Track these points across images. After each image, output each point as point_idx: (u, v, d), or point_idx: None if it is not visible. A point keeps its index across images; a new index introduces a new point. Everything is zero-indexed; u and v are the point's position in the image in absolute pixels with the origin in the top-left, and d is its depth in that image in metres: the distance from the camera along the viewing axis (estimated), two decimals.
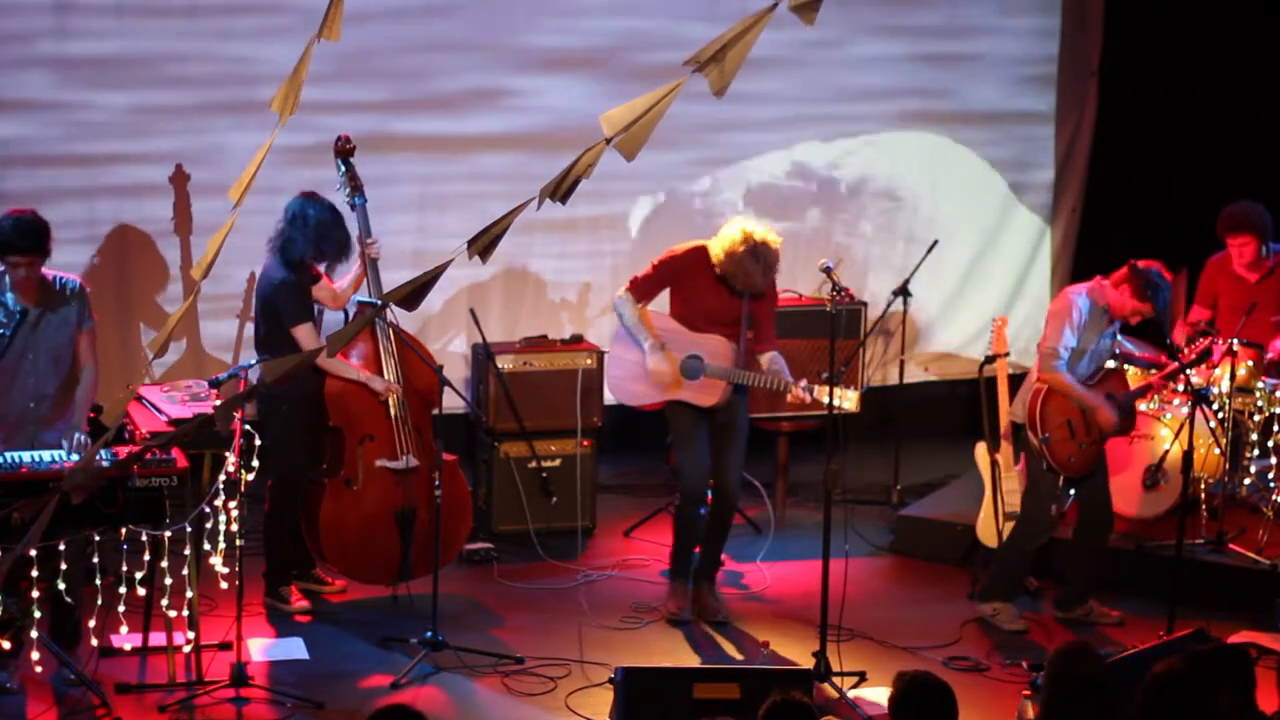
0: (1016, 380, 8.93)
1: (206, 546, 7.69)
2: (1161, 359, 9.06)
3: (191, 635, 7.86)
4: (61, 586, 7.31)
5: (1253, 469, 9.47)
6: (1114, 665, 6.61)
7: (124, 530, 7.41)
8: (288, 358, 7.15)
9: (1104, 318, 8.58)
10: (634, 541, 9.83)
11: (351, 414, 8.64)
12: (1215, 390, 9.27)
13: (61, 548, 7.19)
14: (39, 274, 7.71)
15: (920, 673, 5.67)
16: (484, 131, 10.59)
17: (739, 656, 8.38)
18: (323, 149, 9.07)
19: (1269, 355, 9.47)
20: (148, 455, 7.43)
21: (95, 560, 7.47)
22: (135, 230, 10.06)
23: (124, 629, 7.54)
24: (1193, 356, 8.95)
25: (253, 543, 8.53)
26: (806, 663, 8.06)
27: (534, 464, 9.79)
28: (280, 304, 8.49)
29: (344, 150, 8.88)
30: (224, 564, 7.71)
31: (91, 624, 7.52)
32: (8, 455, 7.44)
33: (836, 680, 7.93)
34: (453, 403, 8.69)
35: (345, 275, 8.88)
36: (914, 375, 11.43)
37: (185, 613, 7.86)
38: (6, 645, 7.41)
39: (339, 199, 8.78)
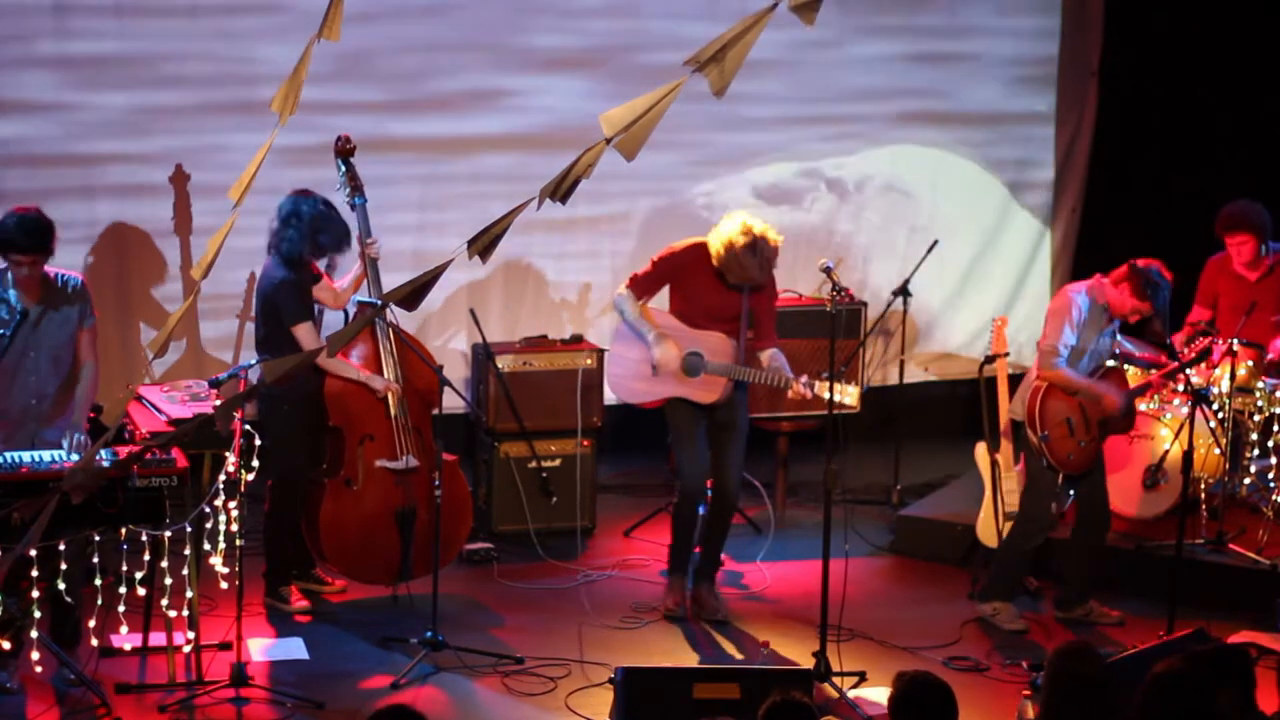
0: (1016, 380, 8.93)
1: (206, 546, 7.69)
2: (1161, 359, 9.06)
3: (191, 635, 7.86)
4: (61, 586, 7.31)
5: (1253, 469, 9.47)
6: (1114, 665, 6.61)
7: (124, 530, 7.41)
8: (288, 358, 7.16)
9: (1103, 316, 8.58)
10: (634, 541, 9.83)
11: (351, 414, 8.64)
12: (1215, 390, 9.27)
13: (61, 548, 7.19)
14: (41, 272, 7.72)
15: (920, 673, 5.67)
16: (484, 132, 10.59)
17: (739, 656, 8.38)
18: (323, 149, 9.07)
19: (1269, 355, 9.47)
20: (148, 455, 7.43)
21: (95, 560, 7.46)
22: (135, 230, 10.06)
23: (124, 629, 7.54)
24: (1192, 356, 8.95)
25: (253, 543, 8.53)
26: (806, 663, 8.06)
27: (534, 464, 9.79)
28: (280, 302, 8.49)
29: (344, 150, 8.88)
30: (224, 564, 7.71)
31: (91, 624, 7.52)
32: (8, 455, 7.44)
33: (836, 680, 7.93)
34: (453, 403, 8.69)
35: (346, 275, 8.89)
36: (914, 375, 11.44)
37: (185, 613, 7.86)
38: (6, 645, 7.41)
39: (339, 199, 8.79)
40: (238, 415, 7.56)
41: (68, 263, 8.55)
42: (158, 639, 7.99)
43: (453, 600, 8.75)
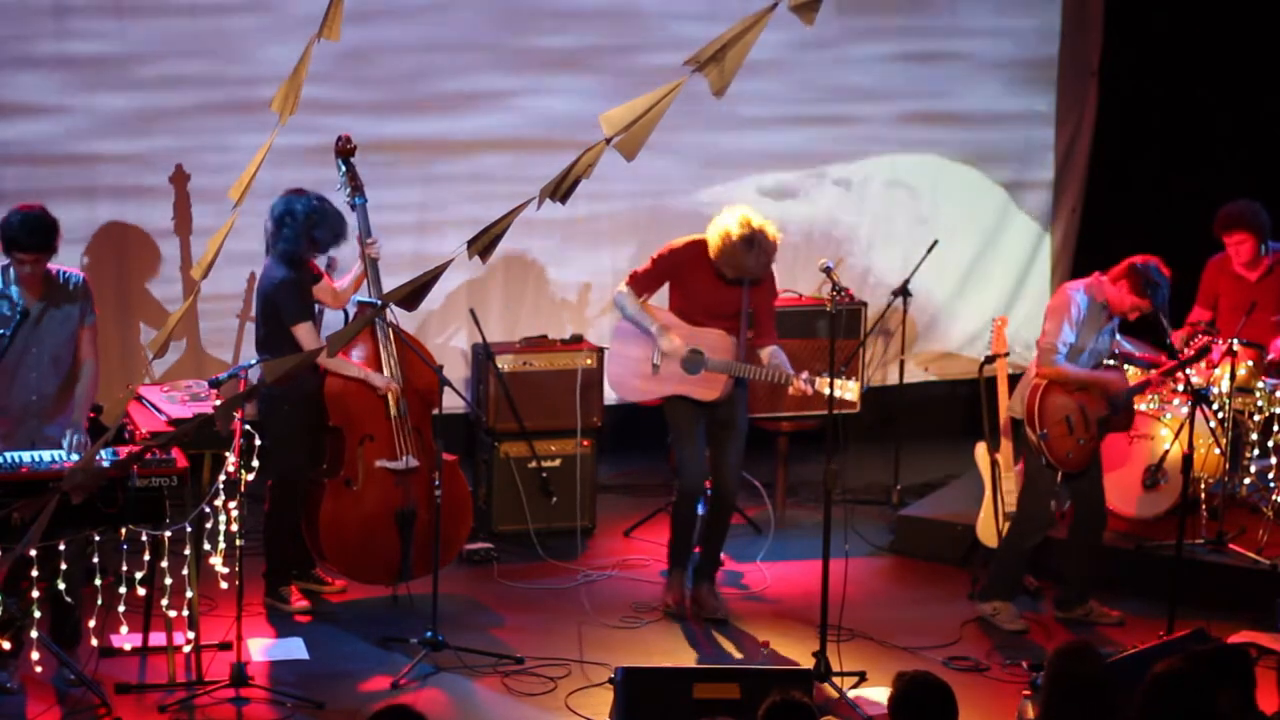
0: (1016, 380, 8.93)
1: (206, 546, 7.69)
2: (1161, 359, 9.06)
3: (191, 635, 7.86)
4: (61, 586, 7.31)
5: (1253, 469, 9.47)
6: (1114, 665, 6.61)
7: (124, 530, 7.41)
8: (288, 358, 7.16)
9: (1102, 314, 8.58)
10: (634, 541, 9.83)
11: (351, 414, 8.64)
12: (1215, 390, 9.26)
13: (61, 548, 7.19)
14: (44, 269, 7.73)
15: (920, 673, 5.67)
16: (484, 132, 10.59)
17: (739, 656, 8.38)
18: (323, 149, 9.07)
19: (1270, 356, 9.47)
20: (148, 455, 7.43)
21: (95, 560, 7.47)
22: (135, 230, 10.06)
23: (124, 629, 7.54)
24: (1191, 354, 8.94)
25: (253, 543, 8.53)
26: (806, 663, 8.06)
27: (534, 464, 9.79)
28: (280, 302, 8.49)
29: (344, 150, 8.88)
30: (224, 564, 7.71)
31: (91, 624, 7.52)
32: (8, 455, 7.45)
33: (836, 680, 7.93)
34: (453, 403, 8.69)
35: (346, 275, 8.90)
36: (914, 375, 11.43)
37: (185, 613, 7.86)
38: (6, 645, 7.41)
39: (339, 199, 8.79)
40: (238, 415, 7.56)
41: (67, 263, 8.54)
42: (158, 639, 7.99)
43: (453, 600, 8.75)
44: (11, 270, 7.72)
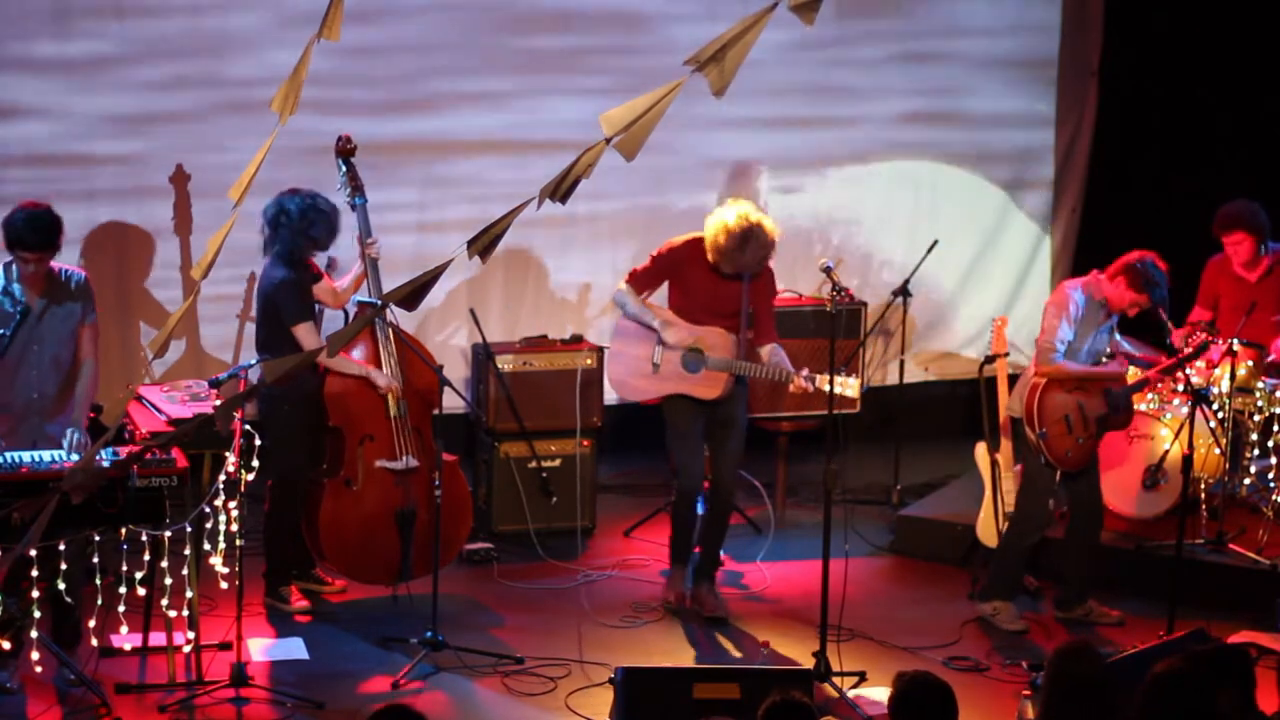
0: (1016, 380, 8.93)
1: (206, 546, 7.69)
2: (1161, 359, 9.06)
3: (191, 635, 7.86)
4: (61, 586, 7.31)
5: (1253, 469, 9.47)
6: (1114, 665, 6.61)
7: (124, 530, 7.41)
8: (288, 358, 7.16)
9: (1101, 312, 8.58)
10: (634, 541, 9.83)
11: (351, 414, 8.64)
12: (1215, 390, 9.26)
13: (61, 548, 7.19)
14: (47, 268, 7.74)
15: (920, 673, 5.67)
16: (484, 132, 10.58)
17: (739, 656, 8.38)
18: (323, 149, 9.07)
19: (1271, 356, 9.47)
20: (148, 455, 7.43)
21: (95, 560, 7.47)
22: (135, 230, 10.06)
23: (124, 629, 7.54)
24: (1189, 351, 8.92)
25: (253, 543, 8.53)
26: (806, 663, 8.06)
27: (534, 464, 9.79)
28: (281, 302, 8.50)
29: (345, 150, 8.88)
30: (224, 564, 7.71)
31: (91, 624, 7.52)
32: (8, 455, 7.45)
33: (836, 680, 7.93)
34: (453, 403, 8.69)
35: (346, 275, 8.90)
36: (914, 375, 11.43)
37: (185, 613, 7.86)
38: (6, 645, 7.41)
39: (339, 199, 8.79)
40: (238, 415, 7.56)
41: (67, 262, 8.55)
42: (158, 639, 8.00)
43: (453, 600, 8.75)
44: (14, 268, 7.73)
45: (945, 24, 11.47)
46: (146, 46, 9.93)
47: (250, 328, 9.58)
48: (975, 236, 11.76)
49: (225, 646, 8.00)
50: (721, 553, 8.97)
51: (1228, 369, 9.19)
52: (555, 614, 8.82)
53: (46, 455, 7.51)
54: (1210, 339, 9.10)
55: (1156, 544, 9.15)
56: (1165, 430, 9.34)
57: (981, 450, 9.14)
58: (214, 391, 7.88)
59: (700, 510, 8.85)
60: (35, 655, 7.37)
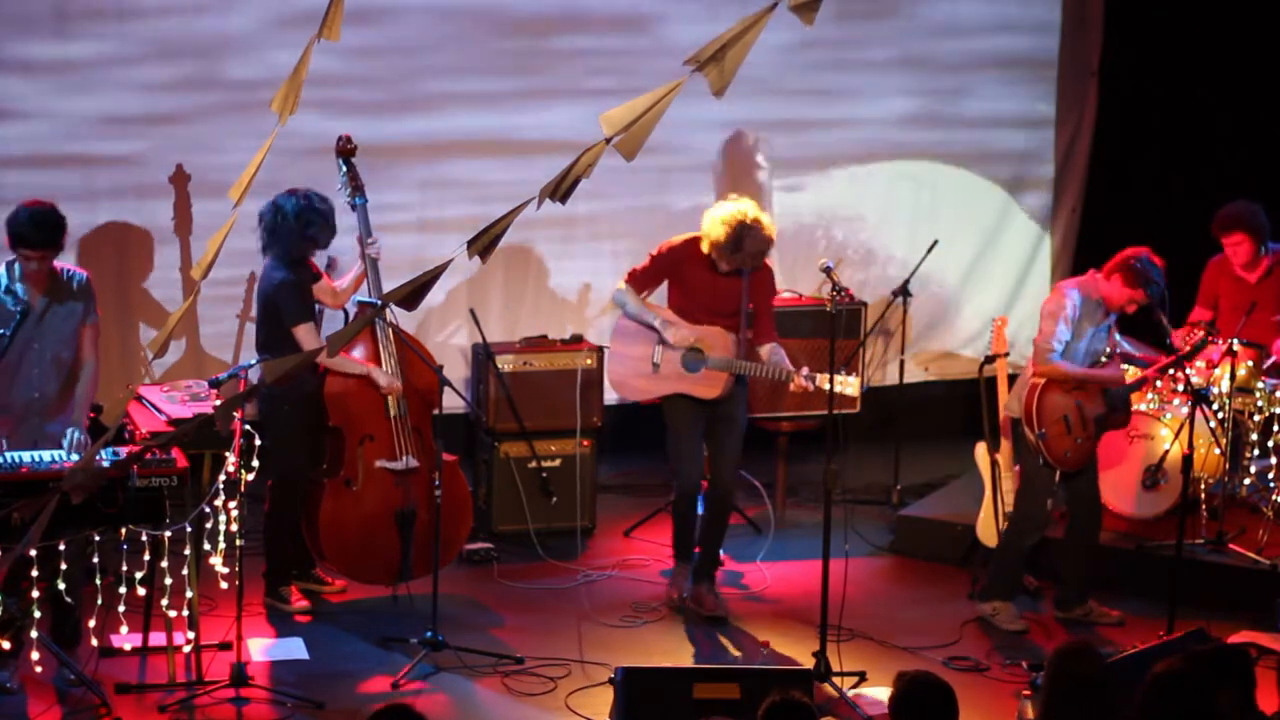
0: (1016, 380, 8.93)
1: (206, 546, 7.69)
2: (1160, 359, 9.06)
3: (191, 635, 7.86)
4: (61, 586, 7.31)
5: (1253, 469, 9.47)
6: (1114, 665, 6.61)
7: (124, 530, 7.41)
8: (288, 358, 7.16)
9: (1098, 311, 8.58)
10: (634, 541, 9.83)
11: (351, 414, 8.64)
12: (1215, 390, 9.26)
13: (61, 548, 7.19)
14: (49, 266, 7.75)
15: (921, 673, 5.67)
16: (484, 132, 10.58)
17: (739, 656, 8.38)
18: (323, 149, 9.08)
19: (1272, 357, 9.47)
20: (148, 455, 7.43)
21: (95, 560, 7.47)
22: (135, 230, 10.06)
23: (124, 629, 7.54)
24: (1187, 349, 8.91)
25: (253, 543, 8.53)
26: (806, 663, 8.06)
27: (534, 464, 9.79)
28: (281, 303, 8.50)
29: (345, 150, 8.89)
30: (224, 564, 7.71)
31: (91, 624, 7.52)
32: (8, 455, 7.45)
33: (836, 680, 7.93)
34: (453, 403, 8.69)
35: (345, 275, 8.90)
36: (914, 375, 11.43)
37: (185, 613, 7.86)
38: (6, 645, 7.41)
39: (340, 199, 8.79)
40: (238, 415, 7.56)
41: (67, 261, 8.55)
42: (158, 639, 8.00)
43: (453, 600, 8.75)
44: (16, 267, 7.74)
45: (945, 24, 11.47)
46: (146, 47, 9.93)
47: (250, 328, 9.58)
48: (975, 236, 11.76)
49: (225, 646, 8.00)
50: (721, 553, 8.97)
51: (1228, 369, 9.19)
52: (555, 614, 8.82)
53: (46, 455, 7.51)
54: (1207, 336, 9.09)
55: (1156, 544, 9.15)
56: (1165, 430, 9.34)
57: (981, 450, 9.14)
58: (214, 391, 7.88)
59: (700, 509, 8.85)
60: (35, 655, 7.37)
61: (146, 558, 7.69)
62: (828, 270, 8.29)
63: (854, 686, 7.94)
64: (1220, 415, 9.17)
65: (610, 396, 9.78)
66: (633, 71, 10.54)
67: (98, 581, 7.47)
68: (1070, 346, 8.53)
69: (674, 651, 8.42)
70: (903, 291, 10.27)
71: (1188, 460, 8.37)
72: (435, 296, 10.33)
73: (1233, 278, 9.82)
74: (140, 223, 10.06)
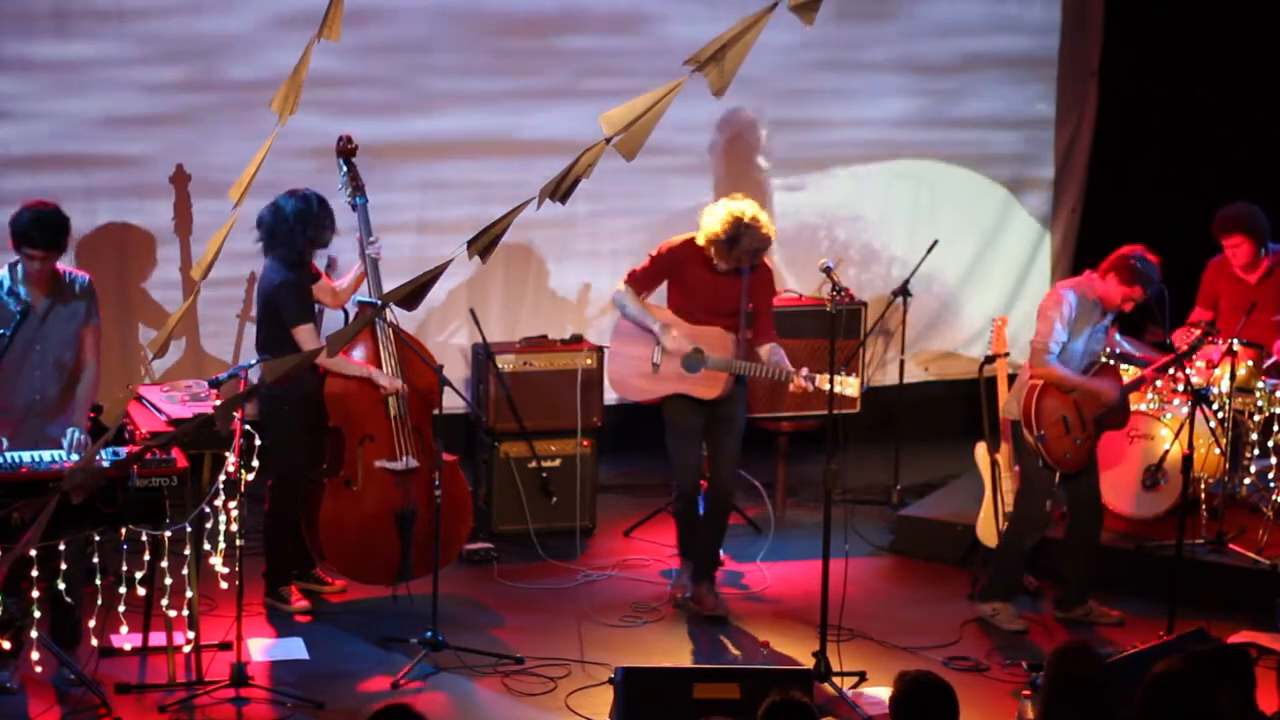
0: (1015, 382, 8.93)
1: (206, 546, 7.69)
2: (1158, 359, 9.06)
3: (191, 635, 7.86)
4: (61, 586, 7.31)
5: (1253, 469, 9.47)
6: (1114, 665, 6.62)
7: (124, 530, 7.41)
8: (288, 358, 7.17)
9: (1095, 311, 8.58)
10: (634, 541, 9.83)
11: (351, 414, 8.64)
12: (1215, 390, 9.27)
13: (61, 548, 7.19)
14: (52, 268, 7.75)
15: (922, 672, 5.67)
16: (484, 132, 10.59)
17: (739, 656, 8.38)
18: (323, 149, 9.08)
19: (1273, 357, 9.47)
20: (148, 455, 7.43)
21: (95, 560, 7.47)
22: (135, 230, 10.06)
23: (124, 629, 7.54)
24: (1184, 348, 8.91)
25: (253, 543, 8.53)
26: (807, 663, 8.06)
27: (534, 464, 9.79)
28: (281, 304, 8.50)
29: (346, 150, 8.89)
30: (224, 564, 7.71)
31: (91, 624, 7.52)
32: (8, 455, 7.45)
33: (836, 680, 7.93)
34: (453, 403, 8.70)
35: (345, 274, 8.90)
36: (914, 375, 11.43)
37: (185, 613, 7.86)
38: (6, 645, 7.41)
39: (340, 199, 8.80)
40: (238, 415, 7.56)
41: (67, 262, 8.56)
42: (158, 639, 8.00)
43: (453, 600, 8.75)
44: (19, 269, 7.75)
45: (945, 23, 11.47)
46: (146, 47, 9.93)
47: (250, 328, 9.58)
48: (975, 236, 11.76)
49: (225, 646, 8.00)
50: (721, 553, 8.97)
51: (1228, 369, 9.19)
52: (555, 614, 8.82)
53: (46, 455, 7.51)
54: (1205, 335, 9.09)
55: (1156, 544, 9.16)
56: (1165, 430, 9.34)
57: (981, 450, 9.14)
58: (214, 391, 7.88)
59: (700, 509, 8.85)
60: (35, 655, 7.36)
61: (146, 558, 7.69)
62: (828, 270, 8.29)
63: (854, 686, 7.94)
64: (1220, 415, 9.17)
65: (610, 396, 9.78)
66: (633, 71, 10.54)
67: (98, 581, 7.47)
68: (1067, 347, 8.53)
69: (674, 651, 8.42)
70: (903, 291, 10.27)
71: (1188, 460, 8.37)
72: (435, 297, 10.34)
73: (1233, 278, 9.81)
74: (140, 223, 10.06)
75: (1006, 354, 9.30)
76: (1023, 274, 11.91)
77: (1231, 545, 9.18)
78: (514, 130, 10.60)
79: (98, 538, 7.46)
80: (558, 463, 9.82)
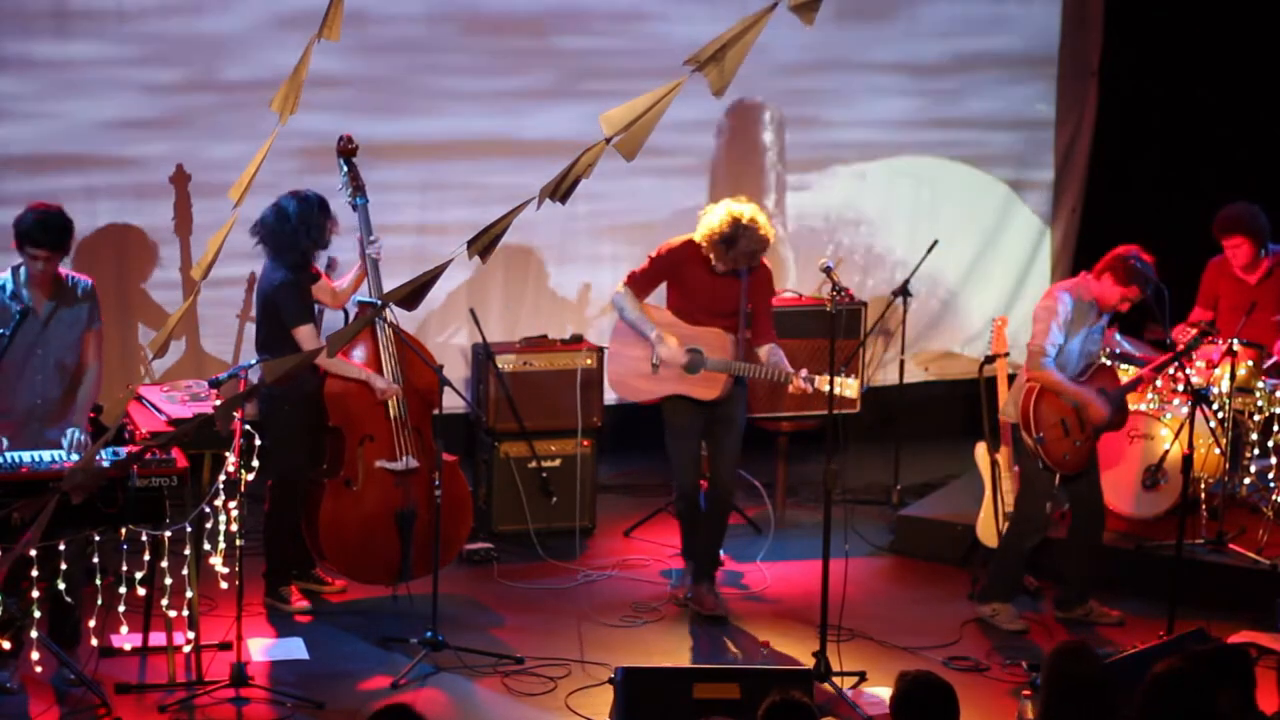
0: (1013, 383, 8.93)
1: (206, 546, 7.69)
2: (1157, 358, 9.06)
3: (191, 635, 7.86)
4: (61, 586, 7.31)
5: (1253, 469, 9.47)
6: (1114, 665, 6.62)
7: (124, 530, 7.41)
8: (288, 358, 7.16)
9: (1091, 312, 8.57)
10: (634, 541, 9.83)
11: (351, 414, 8.64)
12: (1215, 390, 9.27)
13: (61, 548, 7.20)
14: (55, 270, 7.75)
15: (923, 672, 5.67)
16: (484, 132, 10.59)
17: (739, 656, 8.38)
18: (323, 149, 9.08)
19: (1273, 357, 9.47)
20: (148, 455, 7.43)
21: (95, 560, 7.47)
22: (135, 230, 10.06)
23: (124, 629, 7.54)
24: (1181, 347, 8.90)
25: (253, 543, 8.53)
26: (807, 663, 8.06)
27: (534, 464, 9.79)
28: (281, 304, 8.50)
29: (346, 150, 8.89)
30: (224, 564, 7.71)
31: (91, 624, 7.52)
32: (8, 455, 7.45)
33: (836, 680, 7.93)
34: (453, 403, 8.70)
35: (345, 275, 8.90)
36: (914, 375, 11.43)
37: (185, 613, 7.86)
38: (6, 645, 7.41)
39: (341, 199, 8.80)
40: (238, 415, 7.56)
41: (66, 263, 8.56)
42: (158, 639, 8.00)
43: (453, 600, 8.75)
44: (23, 271, 7.75)
45: (945, 23, 11.47)
46: (146, 47, 9.93)
47: (250, 328, 9.58)
48: (975, 236, 11.76)
49: (225, 646, 8.00)
50: (721, 553, 8.98)
51: (1228, 369, 9.19)
52: (555, 614, 8.82)
53: (46, 455, 7.51)
54: (1203, 334, 9.08)
55: (1156, 544, 9.16)
56: (1165, 430, 9.34)
57: (981, 450, 9.14)
58: (214, 391, 7.88)
59: (701, 508, 8.86)
60: (35, 655, 7.36)
61: (146, 558, 7.70)
62: (828, 270, 8.29)
63: (854, 686, 7.94)
64: (1220, 415, 9.17)
65: (610, 396, 9.78)
66: (633, 72, 10.53)
67: (98, 581, 7.47)
68: (1064, 349, 8.52)
69: (674, 651, 8.42)
70: (903, 291, 10.27)
71: (1188, 460, 8.37)
72: (435, 297, 10.34)
73: (1233, 278, 9.81)
74: (140, 223, 10.06)
75: (1006, 354, 9.30)
76: (1023, 274, 11.92)
77: (1231, 545, 9.18)
78: (514, 130, 10.60)
79: (98, 538, 7.46)
80: (558, 463, 9.82)
